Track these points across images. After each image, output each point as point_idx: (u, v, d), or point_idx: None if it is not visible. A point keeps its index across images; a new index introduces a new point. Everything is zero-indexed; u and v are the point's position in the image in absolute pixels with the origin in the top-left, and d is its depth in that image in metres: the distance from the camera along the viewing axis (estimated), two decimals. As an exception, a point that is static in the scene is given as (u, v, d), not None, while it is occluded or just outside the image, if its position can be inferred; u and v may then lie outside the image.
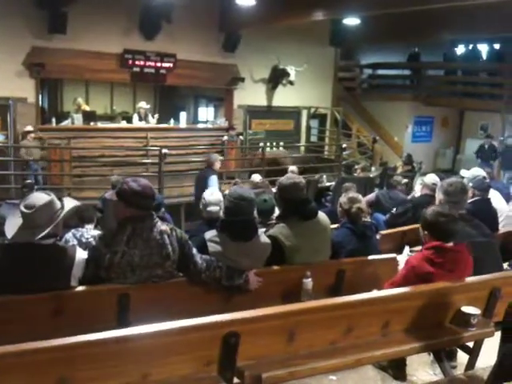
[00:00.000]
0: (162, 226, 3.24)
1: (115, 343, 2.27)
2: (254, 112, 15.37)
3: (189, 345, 2.42)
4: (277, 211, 5.87)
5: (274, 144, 15.36)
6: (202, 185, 8.27)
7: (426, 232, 3.48)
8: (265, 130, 15.61)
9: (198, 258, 3.34)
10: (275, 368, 2.60)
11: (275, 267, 3.67)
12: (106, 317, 3.00)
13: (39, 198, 3.02)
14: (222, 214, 4.24)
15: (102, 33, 12.14)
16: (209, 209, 4.38)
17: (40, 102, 12.66)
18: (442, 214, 3.40)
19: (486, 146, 14.06)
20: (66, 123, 12.32)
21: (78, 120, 12.18)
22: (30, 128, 10.78)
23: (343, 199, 4.28)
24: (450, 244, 3.39)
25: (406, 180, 9.41)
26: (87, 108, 13.34)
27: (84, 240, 4.96)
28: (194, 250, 3.35)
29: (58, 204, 3.08)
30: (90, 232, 5.09)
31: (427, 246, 3.44)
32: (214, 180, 8.81)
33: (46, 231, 2.94)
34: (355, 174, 12.43)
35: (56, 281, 2.95)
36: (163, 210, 5.86)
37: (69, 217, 3.25)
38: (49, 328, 2.73)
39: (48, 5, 11.21)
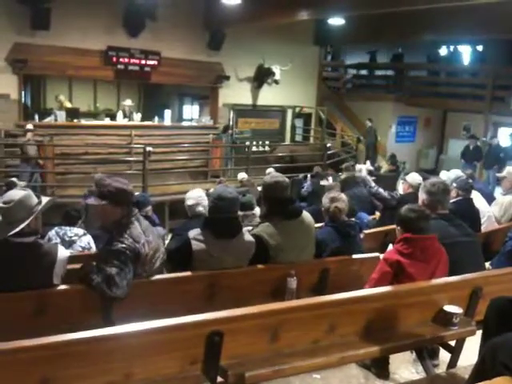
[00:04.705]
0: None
1: (98, 342, 2.26)
2: (240, 111, 15.35)
3: (173, 344, 2.41)
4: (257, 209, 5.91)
5: (260, 143, 15.36)
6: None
7: (399, 228, 3.64)
8: (250, 129, 15.60)
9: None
10: (258, 367, 2.60)
11: (259, 266, 3.67)
12: (89, 315, 2.99)
13: (16, 193, 3.06)
14: (201, 209, 4.38)
15: (86, 29, 12.03)
16: (187, 203, 4.53)
17: (23, 99, 12.53)
18: (413, 210, 3.60)
19: (471, 147, 14.13)
20: (49, 120, 12.20)
21: (61, 117, 12.07)
22: (30, 126, 10.66)
23: (325, 198, 4.31)
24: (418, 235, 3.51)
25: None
26: (69, 105, 13.24)
27: (67, 238, 4.93)
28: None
29: (35, 198, 3.10)
30: (74, 230, 5.05)
31: (397, 239, 3.59)
32: None
33: (24, 224, 2.94)
34: (339, 174, 12.45)
35: (38, 279, 2.94)
36: (149, 208, 5.82)
37: (52, 216, 3.25)
38: (31, 327, 2.71)
39: (31, 1, 11.09)
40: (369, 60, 19.17)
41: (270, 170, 10.30)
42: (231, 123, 14.88)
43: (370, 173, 13.61)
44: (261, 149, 15.26)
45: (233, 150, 13.88)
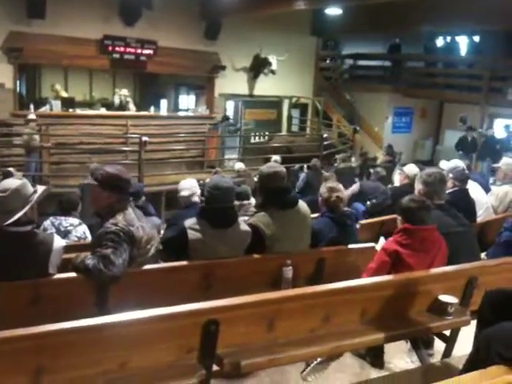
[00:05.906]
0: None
1: (93, 331, 2.25)
2: (245, 102, 15.35)
3: (169, 333, 2.41)
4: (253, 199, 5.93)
5: (262, 133, 15.35)
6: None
7: (400, 217, 3.65)
8: (253, 120, 15.57)
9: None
10: (254, 355, 2.61)
11: (255, 256, 3.67)
12: (84, 304, 2.97)
13: (12, 182, 3.06)
14: (196, 198, 4.41)
15: (82, 18, 11.95)
16: (180, 194, 4.62)
17: (18, 88, 12.46)
18: (414, 200, 3.62)
19: (469, 139, 14.12)
20: (44, 109, 12.15)
21: (57, 106, 12.03)
22: (32, 116, 10.61)
23: (323, 188, 4.30)
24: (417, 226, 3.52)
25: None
26: (64, 94, 13.18)
27: (62, 228, 4.92)
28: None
29: (30, 188, 3.10)
30: (69, 220, 5.04)
31: (397, 229, 3.60)
32: None
33: (21, 213, 2.94)
34: (335, 165, 12.50)
35: (33, 268, 2.93)
36: (144, 198, 5.82)
37: (48, 205, 3.24)
38: (26, 316, 2.70)
39: (27, -11, 11.02)
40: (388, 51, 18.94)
41: (276, 157, 10.33)
42: (239, 114, 14.88)
43: (365, 161, 13.67)
44: (258, 139, 15.27)
45: (241, 140, 13.84)
